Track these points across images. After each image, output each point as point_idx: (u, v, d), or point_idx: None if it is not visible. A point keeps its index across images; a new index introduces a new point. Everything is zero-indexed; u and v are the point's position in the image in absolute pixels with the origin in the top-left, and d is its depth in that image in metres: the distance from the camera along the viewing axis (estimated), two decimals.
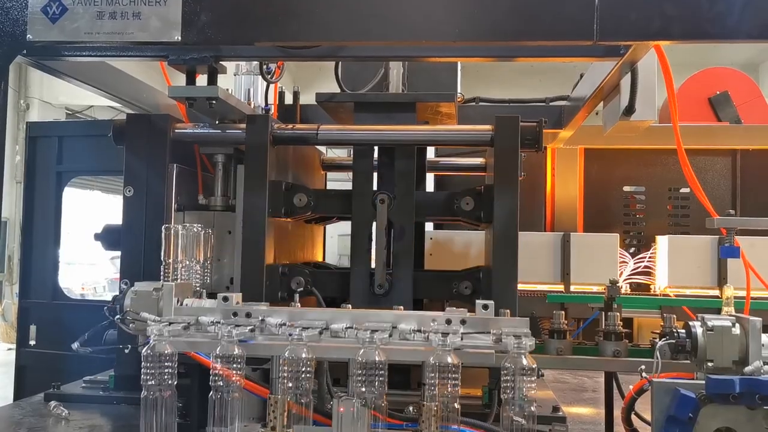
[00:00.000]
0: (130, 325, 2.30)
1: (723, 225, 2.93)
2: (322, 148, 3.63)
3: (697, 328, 2.17)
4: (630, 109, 2.94)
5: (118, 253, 3.00)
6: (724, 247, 3.02)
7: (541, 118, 2.84)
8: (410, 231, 2.90)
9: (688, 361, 2.20)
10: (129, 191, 2.95)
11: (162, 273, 2.66)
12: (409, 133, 2.93)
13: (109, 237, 3.12)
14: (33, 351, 4.63)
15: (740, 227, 3.01)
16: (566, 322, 2.48)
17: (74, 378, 3.13)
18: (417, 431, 2.15)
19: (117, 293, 2.86)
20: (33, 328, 4.68)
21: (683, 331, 2.19)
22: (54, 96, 16.79)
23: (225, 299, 2.23)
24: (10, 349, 11.60)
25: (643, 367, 2.13)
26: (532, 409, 1.91)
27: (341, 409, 2.06)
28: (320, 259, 3.90)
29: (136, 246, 2.93)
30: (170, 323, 2.07)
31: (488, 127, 2.81)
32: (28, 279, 4.75)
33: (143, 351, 2.00)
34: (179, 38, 2.24)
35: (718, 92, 5.74)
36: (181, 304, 2.30)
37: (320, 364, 2.33)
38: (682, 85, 5.80)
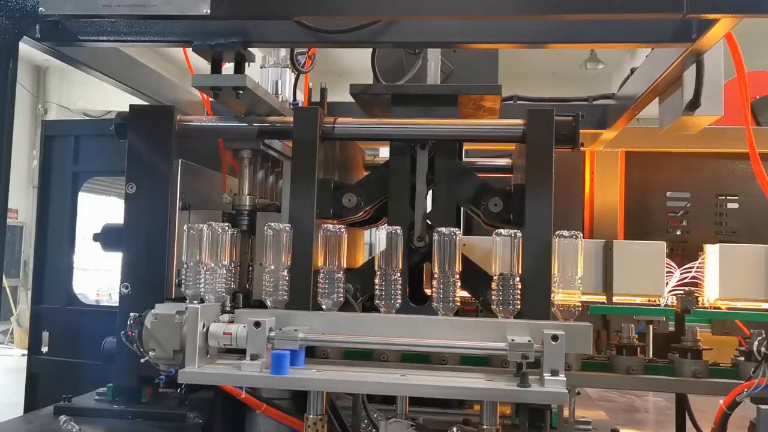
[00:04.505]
0: (150, 353, 2.07)
1: None
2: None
3: None
4: (695, 104, 2.68)
5: None
6: None
7: (577, 112, 2.61)
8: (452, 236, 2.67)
9: None
10: (131, 188, 2.74)
11: (183, 278, 2.42)
12: (438, 127, 2.72)
13: (109, 237, 2.91)
14: (45, 358, 4.43)
15: None
16: (636, 336, 2.21)
17: (87, 387, 2.91)
18: None
19: (118, 297, 2.66)
20: (45, 335, 4.49)
21: None
22: (72, 101, 16.77)
23: (257, 325, 2.00)
24: (24, 354, 11.49)
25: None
26: None
27: None
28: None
29: (139, 247, 2.72)
30: None
31: (520, 121, 2.59)
32: (42, 284, 4.56)
33: None
34: (208, 11, 2.02)
35: (758, 96, 5.47)
36: (207, 329, 2.07)
37: None
38: None
